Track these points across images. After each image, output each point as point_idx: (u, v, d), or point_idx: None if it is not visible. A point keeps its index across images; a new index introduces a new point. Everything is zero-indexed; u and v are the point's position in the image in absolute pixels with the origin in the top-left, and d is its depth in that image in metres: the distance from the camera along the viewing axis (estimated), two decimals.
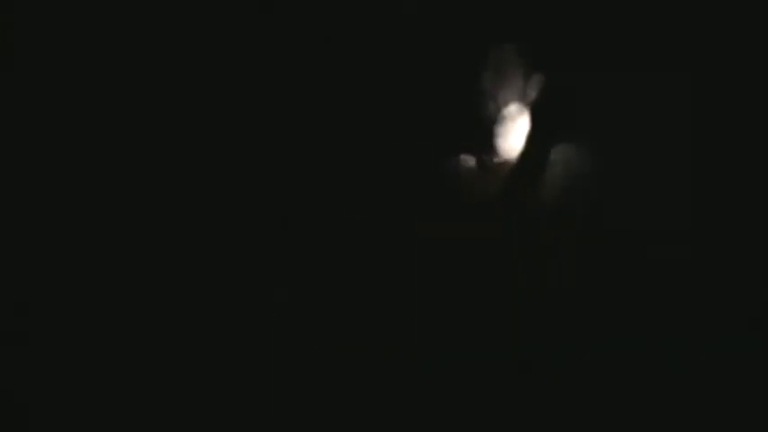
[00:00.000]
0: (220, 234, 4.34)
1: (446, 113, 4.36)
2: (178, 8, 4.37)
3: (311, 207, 4.35)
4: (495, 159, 4.35)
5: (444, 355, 4.23)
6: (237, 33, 4.39)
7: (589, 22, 4.35)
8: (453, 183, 4.34)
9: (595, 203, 4.29)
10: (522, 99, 4.36)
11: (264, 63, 4.39)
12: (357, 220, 4.34)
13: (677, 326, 4.21)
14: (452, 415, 4.19)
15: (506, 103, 4.35)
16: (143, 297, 4.28)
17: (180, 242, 4.32)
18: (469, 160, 4.35)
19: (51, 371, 4.22)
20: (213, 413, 4.20)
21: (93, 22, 4.37)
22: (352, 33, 4.40)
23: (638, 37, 4.33)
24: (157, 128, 4.36)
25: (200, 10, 4.38)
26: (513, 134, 4.36)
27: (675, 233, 4.28)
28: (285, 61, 4.39)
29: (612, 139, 4.33)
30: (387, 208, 4.34)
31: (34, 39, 4.35)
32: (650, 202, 4.30)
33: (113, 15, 4.37)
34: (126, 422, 4.18)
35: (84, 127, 4.36)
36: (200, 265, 4.31)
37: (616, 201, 4.30)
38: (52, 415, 4.19)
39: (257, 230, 4.34)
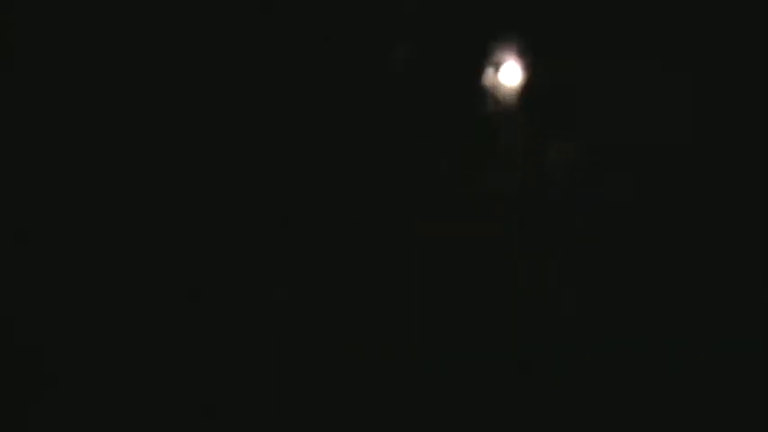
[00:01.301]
0: (221, 234, 4.34)
1: (446, 112, 4.37)
2: (178, 8, 4.38)
3: (311, 207, 4.35)
4: (496, 156, 4.36)
5: (444, 355, 4.23)
6: (237, 33, 4.39)
7: (588, 18, 4.36)
8: (453, 182, 4.34)
9: (594, 199, 4.29)
10: (522, 96, 4.37)
11: (264, 63, 4.39)
12: (357, 220, 4.35)
13: (677, 326, 4.22)
14: (452, 415, 4.20)
15: (507, 101, 4.36)
16: (141, 296, 4.29)
17: (179, 242, 4.33)
18: (470, 158, 4.36)
19: (50, 369, 4.23)
20: (212, 412, 4.21)
21: (93, 23, 4.37)
22: (352, 33, 4.40)
23: (636, 29, 4.34)
24: (158, 128, 4.36)
25: (200, 10, 4.39)
26: (514, 131, 4.37)
27: (676, 232, 4.29)
28: (285, 61, 4.40)
29: (611, 135, 4.33)
30: (387, 208, 4.34)
31: (34, 39, 4.35)
32: (650, 198, 4.30)
33: (113, 15, 4.37)
34: (125, 421, 4.19)
35: (84, 127, 4.37)
36: (201, 265, 4.32)
37: (614, 197, 4.30)
38: (52, 412, 4.19)
39: (256, 230, 4.34)
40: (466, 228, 4.30)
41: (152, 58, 4.38)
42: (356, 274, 4.31)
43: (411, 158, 4.36)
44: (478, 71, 4.39)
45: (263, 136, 4.39)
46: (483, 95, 4.38)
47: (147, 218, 4.33)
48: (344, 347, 4.26)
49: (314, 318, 4.28)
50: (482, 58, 4.39)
